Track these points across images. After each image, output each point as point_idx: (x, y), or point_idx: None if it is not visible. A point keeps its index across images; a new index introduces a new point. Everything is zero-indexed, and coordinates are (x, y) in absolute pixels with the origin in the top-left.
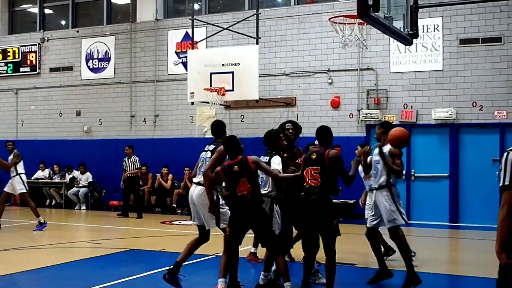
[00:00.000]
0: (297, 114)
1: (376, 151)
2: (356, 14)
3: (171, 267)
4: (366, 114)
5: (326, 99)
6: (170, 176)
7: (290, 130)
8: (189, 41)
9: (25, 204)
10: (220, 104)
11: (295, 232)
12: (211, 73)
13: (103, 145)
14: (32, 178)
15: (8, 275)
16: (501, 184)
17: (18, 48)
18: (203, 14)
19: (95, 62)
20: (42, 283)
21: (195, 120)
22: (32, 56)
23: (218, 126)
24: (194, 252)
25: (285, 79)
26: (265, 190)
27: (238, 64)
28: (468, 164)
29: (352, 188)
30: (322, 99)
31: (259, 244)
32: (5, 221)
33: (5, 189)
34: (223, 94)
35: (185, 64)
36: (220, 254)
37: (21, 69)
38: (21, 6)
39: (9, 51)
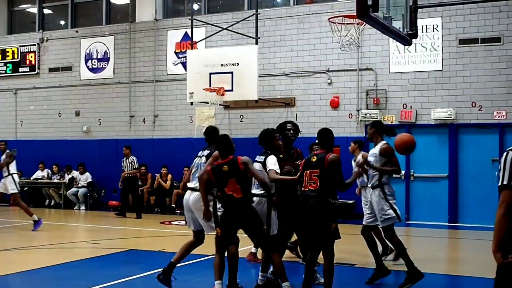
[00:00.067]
0: (296, 114)
1: (371, 151)
2: (355, 14)
3: (166, 267)
4: (366, 114)
5: (326, 99)
6: (169, 176)
7: (291, 131)
8: (188, 41)
9: None
10: (220, 104)
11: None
12: (211, 73)
13: (102, 145)
14: (32, 178)
15: (7, 275)
16: (499, 184)
17: (17, 48)
18: (202, 14)
19: (94, 62)
20: (41, 283)
21: (195, 120)
22: (31, 56)
23: (212, 132)
24: (195, 253)
25: (284, 79)
26: (261, 190)
27: (238, 64)
28: (468, 164)
29: (352, 188)
30: (321, 99)
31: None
32: (3, 221)
33: None
34: (223, 94)
35: (184, 64)
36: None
37: (20, 69)
38: (20, 6)
39: (8, 51)
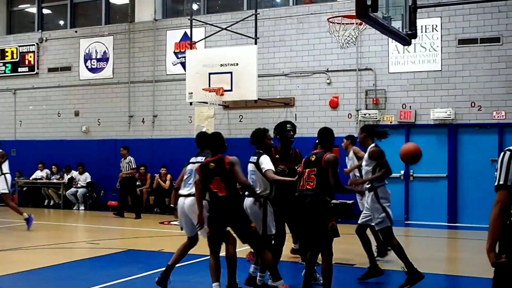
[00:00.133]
0: (295, 115)
1: (364, 156)
2: (354, 14)
3: (163, 271)
4: (365, 114)
5: (325, 99)
6: (168, 176)
7: (291, 132)
8: (187, 41)
9: (22, 204)
10: (219, 104)
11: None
12: (210, 73)
13: (102, 145)
14: (31, 178)
15: (7, 275)
16: (495, 184)
17: (16, 48)
18: (201, 14)
19: (94, 62)
20: (40, 283)
21: (194, 120)
22: (31, 56)
23: (203, 138)
24: (194, 253)
25: (283, 79)
26: (256, 190)
27: (237, 64)
28: (467, 164)
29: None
30: (320, 99)
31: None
32: (1, 222)
33: None
34: (222, 94)
35: (183, 64)
36: (221, 254)
37: (19, 69)
38: (19, 6)
39: (7, 51)
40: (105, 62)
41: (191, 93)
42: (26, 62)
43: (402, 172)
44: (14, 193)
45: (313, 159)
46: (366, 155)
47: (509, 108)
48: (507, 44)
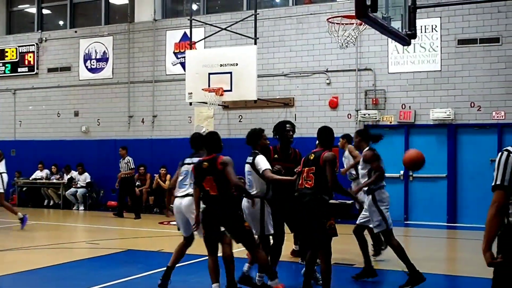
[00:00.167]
0: (295, 115)
1: (360, 161)
2: (354, 14)
3: (164, 273)
4: (364, 115)
5: (324, 99)
6: (168, 176)
7: (290, 132)
8: (187, 41)
9: (22, 204)
10: (218, 105)
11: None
12: (209, 74)
13: (101, 145)
14: (30, 178)
15: (7, 275)
16: (492, 184)
17: (16, 48)
18: (201, 14)
19: (93, 62)
20: (40, 283)
21: (193, 121)
22: (30, 57)
23: (198, 139)
24: (194, 253)
25: (283, 80)
26: (253, 191)
27: (236, 64)
28: (466, 164)
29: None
30: (320, 100)
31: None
32: (1, 222)
33: None
34: (221, 95)
35: (183, 65)
36: (219, 254)
37: (19, 70)
38: (19, 6)
39: (7, 51)
40: (105, 62)
41: (191, 93)
42: (26, 62)
43: (402, 172)
44: (13, 193)
45: (311, 157)
46: (361, 159)
47: (508, 108)
48: (507, 44)
